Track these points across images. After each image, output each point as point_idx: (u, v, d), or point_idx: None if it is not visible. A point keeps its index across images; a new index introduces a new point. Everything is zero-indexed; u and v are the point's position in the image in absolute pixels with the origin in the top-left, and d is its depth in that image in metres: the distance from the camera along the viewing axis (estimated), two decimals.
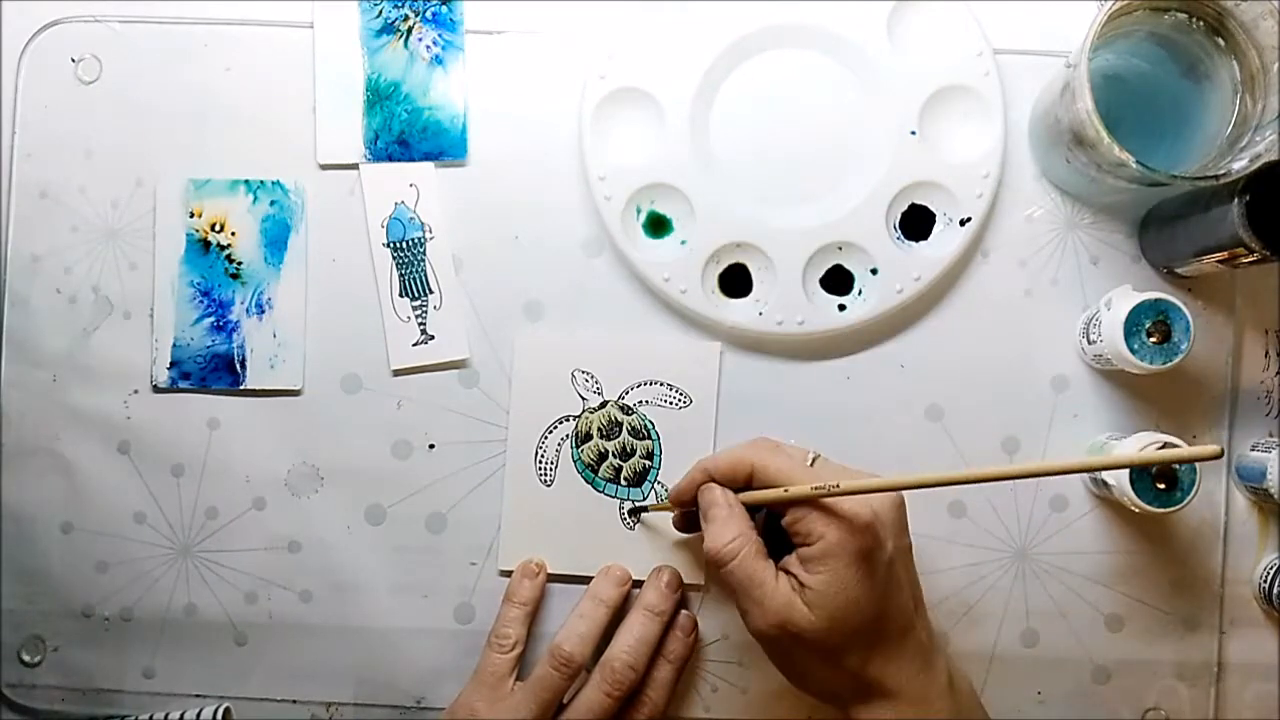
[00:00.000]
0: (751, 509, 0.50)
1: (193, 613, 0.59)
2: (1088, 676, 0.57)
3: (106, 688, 0.59)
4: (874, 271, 0.56)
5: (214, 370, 0.58)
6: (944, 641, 0.57)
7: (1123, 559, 0.57)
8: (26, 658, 0.59)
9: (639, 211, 0.57)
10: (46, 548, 0.59)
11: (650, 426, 0.57)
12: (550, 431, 0.58)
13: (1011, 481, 0.57)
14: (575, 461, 0.58)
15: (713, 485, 0.51)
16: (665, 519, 0.57)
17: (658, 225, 0.57)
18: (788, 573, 0.48)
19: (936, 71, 0.56)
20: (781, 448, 0.51)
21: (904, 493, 0.49)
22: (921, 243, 0.57)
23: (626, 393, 0.57)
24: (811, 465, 0.49)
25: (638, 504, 0.57)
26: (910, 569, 0.50)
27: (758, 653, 0.58)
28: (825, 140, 0.57)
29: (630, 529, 0.57)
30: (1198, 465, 0.51)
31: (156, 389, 0.58)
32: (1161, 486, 0.51)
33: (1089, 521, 0.57)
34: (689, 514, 0.54)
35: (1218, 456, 0.39)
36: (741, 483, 0.50)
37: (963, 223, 0.56)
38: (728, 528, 0.49)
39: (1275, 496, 0.54)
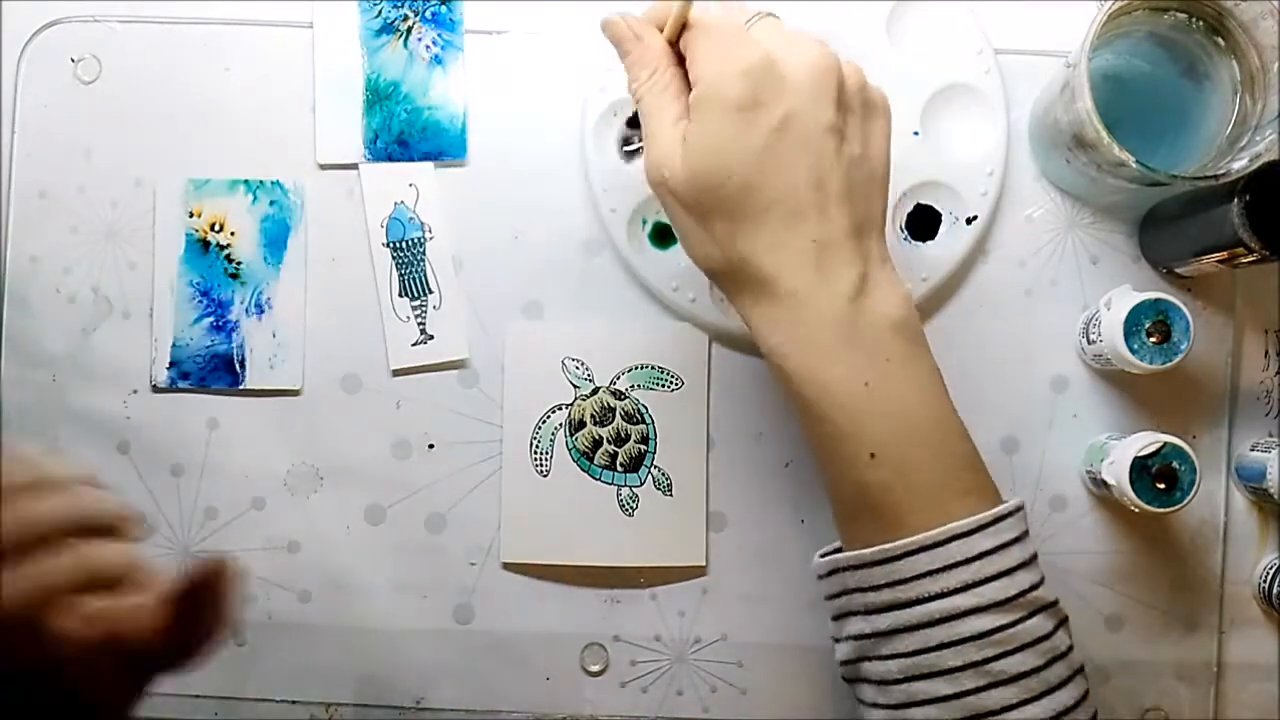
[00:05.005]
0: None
1: None
2: None
3: None
4: None
5: (213, 370, 0.58)
6: None
7: (1123, 559, 0.57)
8: None
9: (644, 223, 0.57)
10: None
11: (644, 410, 0.57)
12: (544, 421, 0.58)
13: (1010, 480, 0.57)
14: (570, 450, 0.58)
15: (617, 20, 0.46)
16: (660, 517, 0.57)
17: (663, 235, 0.57)
18: None
19: (937, 71, 0.56)
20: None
21: (851, 69, 0.44)
22: (928, 243, 0.57)
23: (618, 378, 0.57)
24: (746, 25, 0.44)
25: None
26: (826, 154, 0.42)
27: (757, 653, 0.58)
28: None
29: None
30: (1197, 465, 0.51)
31: (156, 389, 0.58)
32: (1161, 486, 0.51)
33: (1089, 521, 0.57)
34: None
35: None
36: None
37: (969, 221, 0.56)
38: (641, 66, 0.45)
39: (1275, 496, 0.54)
